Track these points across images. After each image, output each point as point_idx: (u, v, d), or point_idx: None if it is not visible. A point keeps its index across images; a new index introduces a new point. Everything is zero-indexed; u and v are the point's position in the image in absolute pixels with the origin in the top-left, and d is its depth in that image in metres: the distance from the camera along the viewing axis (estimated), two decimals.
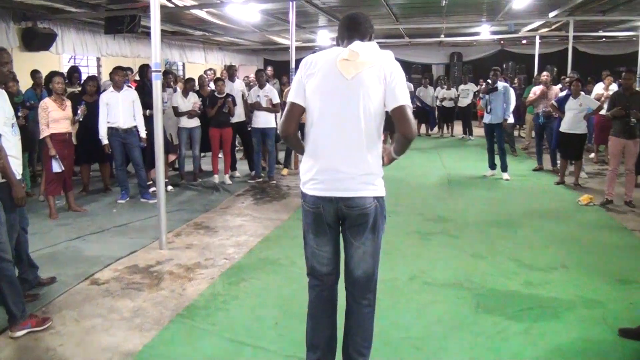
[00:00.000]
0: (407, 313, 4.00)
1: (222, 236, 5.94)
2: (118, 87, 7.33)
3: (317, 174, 2.79)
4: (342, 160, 2.73)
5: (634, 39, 19.25)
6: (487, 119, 9.52)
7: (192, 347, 3.47)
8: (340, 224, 2.86)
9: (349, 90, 2.71)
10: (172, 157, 9.21)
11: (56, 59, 11.37)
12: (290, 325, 3.77)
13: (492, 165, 9.61)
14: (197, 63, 18.55)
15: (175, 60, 17.95)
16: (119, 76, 7.36)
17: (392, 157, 2.88)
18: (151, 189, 7.86)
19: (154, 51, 5.32)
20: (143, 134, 7.46)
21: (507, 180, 9.27)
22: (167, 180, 8.39)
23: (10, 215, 3.79)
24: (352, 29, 2.87)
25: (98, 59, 14.14)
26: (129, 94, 7.38)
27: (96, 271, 4.82)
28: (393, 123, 2.72)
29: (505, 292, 4.41)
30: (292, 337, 3.60)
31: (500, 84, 9.44)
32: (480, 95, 9.86)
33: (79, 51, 11.93)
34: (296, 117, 2.82)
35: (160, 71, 5.41)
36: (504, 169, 9.43)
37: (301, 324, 3.71)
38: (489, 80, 9.66)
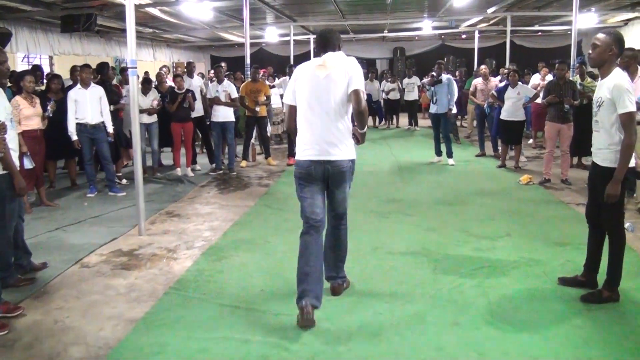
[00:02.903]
0: (374, 277, 4.53)
1: (195, 222, 6.33)
2: (85, 84, 7.56)
3: (308, 145, 3.84)
4: (324, 134, 3.80)
5: (568, 32, 20.46)
6: (433, 109, 10.13)
7: (189, 312, 3.89)
8: (324, 179, 3.88)
9: (323, 86, 3.79)
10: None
11: (10, 58, 11.38)
12: (275, 291, 4.26)
13: (438, 152, 10.27)
14: (145, 60, 18.63)
15: (124, 58, 17.96)
16: (86, 74, 7.59)
17: (360, 132, 3.94)
18: (124, 180, 8.18)
19: (130, 48, 5.64)
20: (110, 129, 7.73)
21: (452, 165, 9.96)
22: (119, 174, 8.71)
23: (11, 204, 4.10)
24: (324, 44, 3.97)
25: (51, 58, 14.14)
26: (96, 91, 7.62)
27: (83, 256, 5.15)
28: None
29: (458, 257, 5.00)
30: (279, 299, 4.08)
31: (444, 77, 10.08)
32: (426, 87, 10.49)
33: (32, 50, 11.99)
34: (294, 115, 3.94)
35: (136, 67, 5.74)
36: (450, 155, 10.10)
37: (284, 288, 4.24)
38: (433, 73, 10.28)
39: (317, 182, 3.87)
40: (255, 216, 6.58)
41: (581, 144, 8.99)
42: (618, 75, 3.77)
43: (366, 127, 3.95)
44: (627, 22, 17.01)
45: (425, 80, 13.97)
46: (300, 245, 3.88)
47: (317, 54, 4.09)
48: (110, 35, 16.20)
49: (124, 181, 8.61)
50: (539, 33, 20.92)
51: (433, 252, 5.11)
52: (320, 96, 3.79)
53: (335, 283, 4.17)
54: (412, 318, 3.76)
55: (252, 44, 21.42)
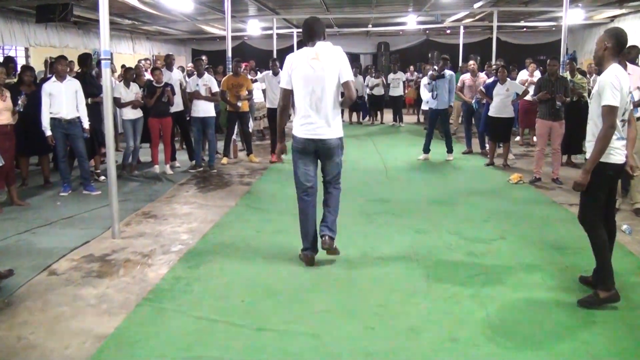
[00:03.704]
0: (363, 285, 4.24)
1: (172, 224, 5.99)
2: (61, 77, 7.18)
3: (304, 125, 4.49)
4: (317, 118, 4.44)
5: (553, 29, 20.39)
6: (432, 104, 9.92)
7: (163, 327, 3.56)
8: (316, 153, 4.57)
9: (317, 77, 4.39)
10: (103, 149, 9.12)
11: None
12: (257, 301, 3.93)
13: (427, 149, 10.02)
14: (124, 53, 18.16)
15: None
16: (62, 66, 7.19)
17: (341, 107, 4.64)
18: (101, 177, 7.98)
19: (103, 38, 5.26)
20: (86, 124, 7.34)
21: (449, 160, 9.85)
22: (98, 170, 8.33)
23: None
24: (311, 34, 4.49)
25: (26, 49, 13.67)
26: (72, 84, 7.23)
27: (52, 262, 4.77)
28: None
29: (451, 263, 4.72)
30: (260, 311, 3.77)
31: (447, 72, 9.89)
32: (427, 81, 10.32)
33: (7, 41, 11.53)
34: (288, 97, 4.58)
35: (109, 59, 5.38)
36: (450, 150, 9.98)
37: (266, 299, 3.92)
38: (435, 67, 10.05)
39: (310, 155, 4.60)
40: (236, 217, 6.25)
41: (571, 142, 8.83)
42: (609, 70, 3.83)
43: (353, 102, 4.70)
44: (613, 18, 16.88)
45: (423, 75, 13.72)
46: (299, 208, 4.76)
47: (304, 44, 4.54)
48: (88, 26, 15.71)
49: (102, 178, 8.23)
50: (524, 29, 20.80)
51: (425, 257, 4.83)
52: (315, 86, 4.38)
53: (326, 237, 4.63)
54: (406, 334, 3.46)
55: (234, 38, 21.03)
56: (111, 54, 18.23)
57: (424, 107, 12.57)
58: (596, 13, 16.31)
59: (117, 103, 8.57)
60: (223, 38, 10.75)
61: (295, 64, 4.45)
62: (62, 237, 5.57)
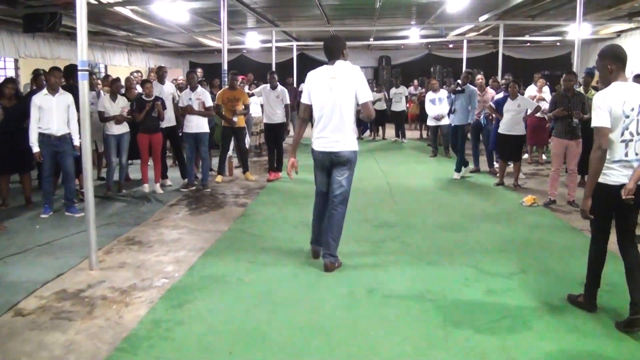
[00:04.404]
0: (371, 331, 3.67)
1: (158, 252, 5.42)
2: (53, 90, 6.67)
3: (319, 139, 4.83)
4: (331, 132, 4.74)
5: (557, 44, 19.98)
6: (451, 119, 9.69)
7: None
8: (330, 165, 4.84)
9: (333, 95, 4.69)
10: None
11: None
12: (247, 354, 3.36)
13: (466, 164, 9.77)
14: (120, 66, 17.69)
15: (97, 62, 17.02)
16: (56, 77, 6.68)
17: None
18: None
19: (81, 47, 4.75)
20: (77, 141, 6.77)
21: (455, 179, 9.42)
22: (83, 190, 7.77)
23: None
24: (330, 53, 4.81)
25: (16, 61, 13.19)
26: (65, 98, 6.72)
27: (20, 300, 4.21)
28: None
29: (469, 303, 4.16)
30: None
31: (470, 87, 9.52)
32: (447, 95, 9.97)
33: None
34: (307, 112, 4.94)
35: (87, 70, 4.87)
36: (458, 169, 9.56)
37: (259, 352, 3.36)
38: (458, 81, 9.66)
39: (325, 168, 4.91)
40: (228, 245, 5.69)
41: (584, 161, 8.32)
42: (602, 90, 3.78)
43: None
44: (619, 33, 16.48)
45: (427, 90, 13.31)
46: (314, 202, 5.16)
47: (328, 62, 4.83)
48: None
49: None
50: (528, 44, 20.39)
51: (439, 296, 4.27)
52: (333, 105, 4.68)
53: (326, 260, 4.83)
54: None
55: (232, 50, 20.75)
56: (105, 67, 17.90)
57: (430, 122, 12.06)
58: (603, 27, 15.90)
59: (101, 117, 8.05)
60: (221, 51, 10.25)
61: (314, 82, 4.79)
62: (35, 267, 5.01)
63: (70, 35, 14.68)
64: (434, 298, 4.22)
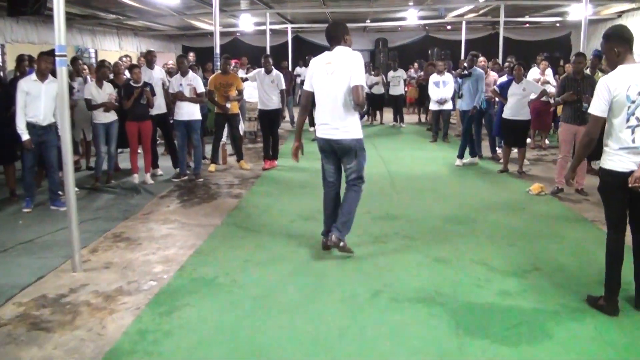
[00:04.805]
0: (378, 340, 3.35)
1: (146, 250, 5.07)
2: (43, 76, 6.28)
3: (320, 126, 4.80)
4: (331, 119, 4.70)
5: (557, 24, 19.59)
6: (459, 104, 9.44)
7: None
8: (335, 152, 4.81)
9: (331, 81, 4.63)
10: (75, 157, 8.26)
11: None
12: None
13: (472, 152, 9.46)
14: (110, 50, 17.24)
15: (87, 47, 16.55)
16: (47, 63, 6.25)
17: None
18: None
19: (58, 30, 4.35)
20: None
21: (457, 166, 9.11)
22: None
23: None
24: (330, 39, 4.73)
25: (2, 46, 12.76)
26: (54, 86, 6.24)
27: None
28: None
29: (483, 306, 3.83)
30: None
31: (477, 70, 9.17)
32: (454, 79, 9.60)
33: None
34: (308, 98, 5.00)
35: (65, 55, 4.47)
36: (461, 155, 9.26)
37: None
38: (465, 65, 9.29)
39: (329, 153, 4.86)
40: (221, 241, 5.34)
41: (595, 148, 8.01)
42: (606, 75, 3.62)
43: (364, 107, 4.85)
44: (621, 14, 16.11)
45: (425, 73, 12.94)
46: (323, 195, 5.04)
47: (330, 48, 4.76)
48: (70, 22, 14.78)
49: (75, 189, 7.30)
50: (527, 25, 19.99)
51: (450, 298, 3.95)
52: (329, 90, 4.64)
53: (332, 235, 4.74)
54: None
55: (225, 34, 20.30)
56: (96, 51, 17.41)
57: (432, 107, 11.69)
58: (604, 7, 15.50)
59: (88, 105, 7.66)
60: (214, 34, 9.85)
61: (314, 68, 4.78)
62: (15, 269, 4.66)
63: None
64: (444, 301, 3.89)
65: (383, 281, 4.26)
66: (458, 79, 9.15)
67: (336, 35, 4.68)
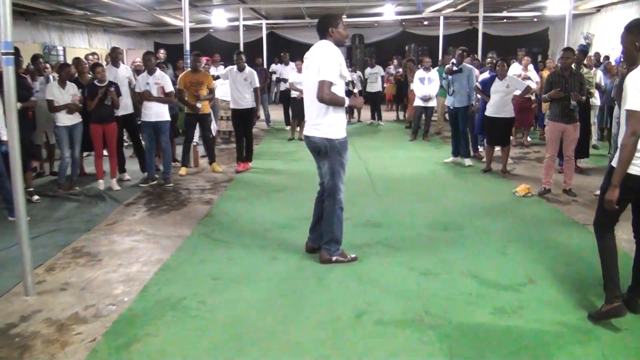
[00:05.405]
0: None
1: (107, 267, 4.62)
2: None
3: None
4: (308, 115, 4.51)
5: (535, 20, 19.42)
6: (449, 101, 8.96)
7: None
8: (312, 151, 4.59)
9: (305, 76, 4.54)
10: (35, 163, 7.78)
11: None
12: None
13: (456, 152, 9.07)
14: (79, 48, 16.62)
15: (54, 44, 15.92)
16: None
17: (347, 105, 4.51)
18: (35, 197, 6.79)
19: (4, 24, 3.86)
20: (4, 136, 5.86)
21: (469, 166, 8.78)
22: (31, 189, 6.92)
23: None
24: (318, 33, 4.46)
25: None
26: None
27: None
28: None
29: (478, 328, 3.48)
30: None
31: (467, 66, 8.85)
32: (443, 76, 9.21)
33: None
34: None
35: (12, 53, 3.99)
36: (466, 154, 8.98)
37: None
38: (453, 61, 8.94)
39: (311, 153, 4.63)
40: (190, 254, 4.90)
41: (583, 146, 7.79)
42: (636, 70, 3.31)
43: (344, 101, 4.37)
44: (599, 8, 15.95)
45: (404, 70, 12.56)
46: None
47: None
48: (37, 17, 14.20)
49: (36, 198, 6.83)
50: (504, 20, 19.80)
51: (440, 319, 3.58)
52: (305, 86, 4.55)
53: (321, 252, 4.61)
54: None
55: (198, 30, 19.75)
56: (64, 49, 16.79)
57: (417, 103, 11.35)
58: (582, 2, 15.35)
59: (50, 106, 7.15)
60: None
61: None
62: None
63: (25, 15, 13.62)
64: (435, 323, 3.53)
65: (367, 299, 3.88)
66: (449, 75, 8.76)
67: (320, 29, 4.43)
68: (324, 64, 4.23)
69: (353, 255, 4.63)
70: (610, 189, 3.37)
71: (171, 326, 3.54)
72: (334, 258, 4.52)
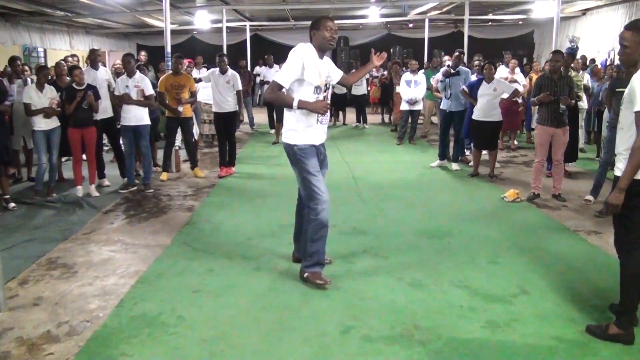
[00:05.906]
0: None
1: (82, 280, 4.41)
2: None
3: None
4: None
5: (520, 22, 19.41)
6: (445, 105, 8.76)
7: None
8: None
9: None
10: (12, 169, 7.54)
11: None
12: None
13: (442, 156, 8.97)
14: (60, 49, 16.30)
15: (35, 46, 15.62)
16: None
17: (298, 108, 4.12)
18: (11, 205, 6.63)
19: None
20: None
21: (456, 170, 8.69)
22: (7, 196, 6.69)
23: None
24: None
25: None
26: None
27: None
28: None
29: (469, 344, 3.33)
30: None
31: (464, 69, 8.73)
32: (439, 78, 9.05)
33: None
34: None
35: None
36: (455, 159, 8.86)
37: None
38: (449, 64, 8.78)
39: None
40: (169, 265, 4.70)
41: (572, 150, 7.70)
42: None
43: (291, 103, 4.04)
44: (585, 11, 15.96)
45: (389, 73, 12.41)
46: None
47: None
48: (17, 19, 13.88)
49: (12, 205, 6.59)
50: (490, 23, 19.78)
51: (432, 334, 3.42)
52: None
53: (302, 269, 4.31)
54: None
55: (181, 31, 19.52)
56: (45, 51, 16.48)
57: (403, 107, 11.20)
58: (569, 5, 15.33)
59: (27, 110, 6.91)
60: (170, 32, 9.13)
61: None
62: None
63: (5, 16, 13.32)
64: (425, 338, 3.37)
65: (353, 313, 3.72)
66: (446, 79, 8.61)
67: (309, 32, 4.25)
68: (284, 65, 4.10)
69: (323, 282, 4.14)
70: (615, 192, 3.23)
71: (147, 345, 3.34)
72: (305, 274, 4.22)
